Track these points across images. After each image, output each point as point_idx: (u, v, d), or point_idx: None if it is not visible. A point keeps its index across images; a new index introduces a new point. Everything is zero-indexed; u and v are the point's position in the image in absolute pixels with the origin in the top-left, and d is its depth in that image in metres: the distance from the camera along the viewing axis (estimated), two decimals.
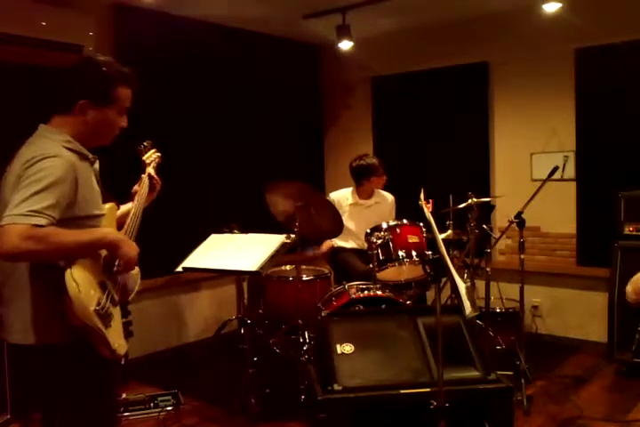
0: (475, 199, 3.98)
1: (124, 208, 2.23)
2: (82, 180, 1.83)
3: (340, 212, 4.26)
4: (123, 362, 2.03)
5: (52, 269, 1.75)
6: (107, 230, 1.90)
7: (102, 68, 1.92)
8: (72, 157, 1.84)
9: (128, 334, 1.96)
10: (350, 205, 4.47)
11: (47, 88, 1.98)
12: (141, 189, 2.22)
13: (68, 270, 1.72)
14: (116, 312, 1.90)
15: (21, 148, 1.88)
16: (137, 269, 2.07)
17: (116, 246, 1.84)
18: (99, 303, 1.78)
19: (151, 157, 2.41)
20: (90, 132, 1.93)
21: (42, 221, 1.66)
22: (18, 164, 1.80)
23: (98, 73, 1.91)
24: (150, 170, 2.33)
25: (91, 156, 1.95)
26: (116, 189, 2.34)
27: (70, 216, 1.79)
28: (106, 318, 1.80)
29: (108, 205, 2.03)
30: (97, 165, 2.00)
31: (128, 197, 2.28)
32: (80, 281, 1.73)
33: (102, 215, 1.95)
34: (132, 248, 1.89)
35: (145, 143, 2.42)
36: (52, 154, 1.77)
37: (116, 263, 1.88)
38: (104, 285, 1.86)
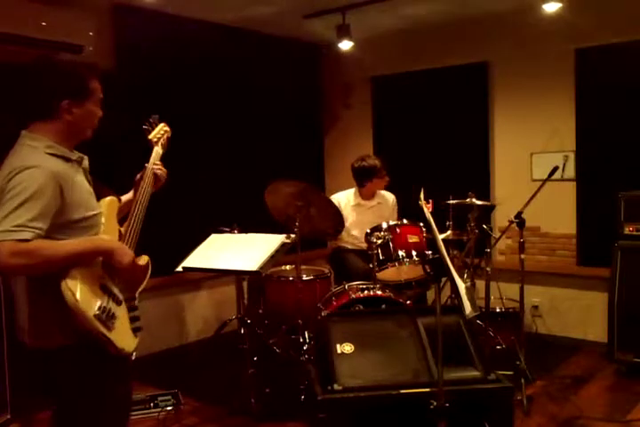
0: (475, 199, 3.98)
1: (126, 197, 2.20)
2: (68, 185, 1.81)
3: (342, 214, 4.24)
4: (133, 358, 2.04)
5: (49, 278, 1.75)
6: (98, 240, 1.88)
7: (69, 66, 1.91)
8: (56, 163, 1.82)
9: (136, 329, 1.96)
10: (352, 206, 4.47)
11: (19, 93, 1.93)
12: (144, 180, 2.15)
13: (63, 280, 1.72)
14: (122, 311, 1.89)
15: (7, 157, 1.86)
16: (146, 258, 2.07)
17: (109, 255, 1.84)
18: (99, 308, 1.77)
19: (159, 133, 2.31)
20: (73, 131, 1.91)
21: (27, 235, 1.66)
22: (1, 176, 1.78)
23: (68, 70, 1.89)
24: (158, 149, 2.26)
25: (76, 156, 1.93)
26: (121, 179, 2.27)
27: (64, 221, 1.78)
28: (108, 320, 1.79)
29: (107, 200, 2.01)
30: (86, 163, 1.98)
31: (131, 186, 2.23)
32: (76, 289, 1.72)
33: (98, 214, 1.93)
34: (125, 255, 1.87)
35: (151, 119, 2.28)
36: (31, 164, 1.75)
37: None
38: (105, 287, 1.85)
